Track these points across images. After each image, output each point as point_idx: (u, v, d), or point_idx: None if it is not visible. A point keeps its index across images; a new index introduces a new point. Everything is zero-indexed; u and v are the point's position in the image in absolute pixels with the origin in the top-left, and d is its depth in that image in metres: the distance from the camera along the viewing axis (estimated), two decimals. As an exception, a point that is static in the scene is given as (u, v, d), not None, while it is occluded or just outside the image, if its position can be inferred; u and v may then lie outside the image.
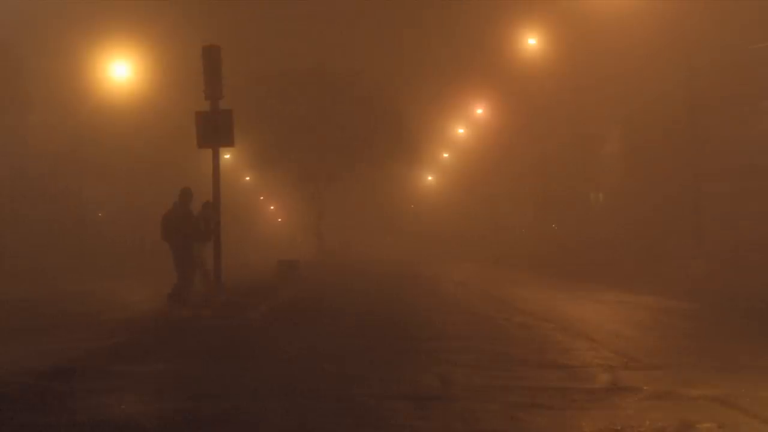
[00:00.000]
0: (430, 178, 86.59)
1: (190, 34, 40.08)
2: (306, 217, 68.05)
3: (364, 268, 44.86)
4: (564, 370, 10.63)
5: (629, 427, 7.60)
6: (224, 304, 18.38)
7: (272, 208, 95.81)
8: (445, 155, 78.02)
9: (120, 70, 40.68)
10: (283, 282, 27.76)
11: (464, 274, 36.69)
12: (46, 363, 10.56)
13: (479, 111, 64.36)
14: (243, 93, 45.55)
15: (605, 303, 20.56)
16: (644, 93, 37.67)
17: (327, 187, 63.54)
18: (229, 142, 19.90)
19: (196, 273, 19.41)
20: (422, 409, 8.12)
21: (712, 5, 32.16)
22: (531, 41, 45.80)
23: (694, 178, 32.69)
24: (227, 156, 46.72)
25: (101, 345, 12.34)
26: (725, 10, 32.12)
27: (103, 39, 42.12)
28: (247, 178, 72.04)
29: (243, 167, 63.67)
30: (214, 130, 19.21)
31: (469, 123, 68.21)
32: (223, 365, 10.88)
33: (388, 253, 75.20)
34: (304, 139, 58.13)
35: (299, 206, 69.26)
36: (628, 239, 39.60)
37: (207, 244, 19.66)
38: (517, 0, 47.26)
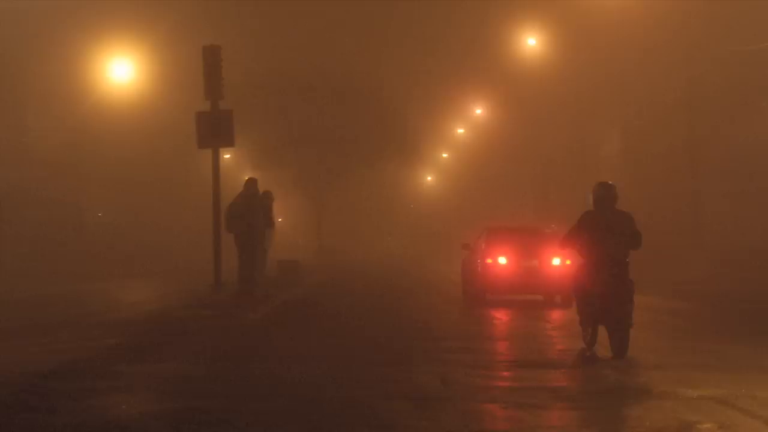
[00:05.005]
0: (429, 178, 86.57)
1: (190, 34, 40.05)
2: (306, 217, 68.07)
3: (363, 268, 44.88)
4: (564, 370, 10.64)
5: (629, 427, 7.61)
6: (225, 304, 18.38)
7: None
8: (445, 155, 78.01)
9: (119, 71, 40.60)
10: (284, 283, 27.71)
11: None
12: (47, 363, 10.56)
13: (478, 111, 64.31)
14: (243, 93, 45.51)
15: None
16: (643, 92, 37.64)
17: (327, 187, 63.58)
18: (229, 143, 20.00)
19: (264, 258, 19.71)
20: (422, 409, 8.13)
21: (712, 5, 32.15)
22: (531, 41, 45.79)
23: (693, 178, 32.70)
24: (227, 156, 46.69)
25: (102, 345, 12.33)
26: (725, 10, 32.12)
27: (102, 40, 42.02)
28: (247, 178, 71.76)
29: (243, 167, 63.66)
30: (214, 130, 19.24)
31: (468, 123, 68.17)
32: (223, 366, 10.88)
33: (387, 253, 75.24)
34: (305, 140, 58.19)
35: (300, 207, 69.23)
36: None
37: (271, 231, 20.02)
38: (517, 0, 47.27)
